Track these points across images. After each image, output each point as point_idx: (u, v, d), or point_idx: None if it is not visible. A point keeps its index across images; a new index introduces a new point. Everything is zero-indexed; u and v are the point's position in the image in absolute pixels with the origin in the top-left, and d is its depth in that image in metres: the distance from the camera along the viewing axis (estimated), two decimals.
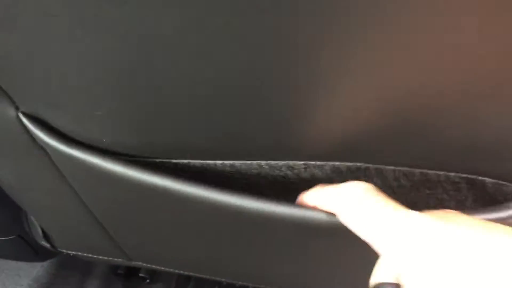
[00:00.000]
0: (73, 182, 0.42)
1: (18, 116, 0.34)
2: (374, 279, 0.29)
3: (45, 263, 0.84)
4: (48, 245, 0.66)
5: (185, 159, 0.37)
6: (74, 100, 0.31)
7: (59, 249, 0.66)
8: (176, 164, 0.37)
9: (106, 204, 0.45)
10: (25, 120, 0.34)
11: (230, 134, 0.33)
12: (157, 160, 0.37)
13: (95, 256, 0.65)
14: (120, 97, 0.30)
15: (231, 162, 0.36)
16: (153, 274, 0.92)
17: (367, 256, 0.30)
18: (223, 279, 0.64)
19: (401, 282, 0.28)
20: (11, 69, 0.30)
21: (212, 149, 0.35)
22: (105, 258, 0.64)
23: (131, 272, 0.91)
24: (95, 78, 0.28)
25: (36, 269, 0.83)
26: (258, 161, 0.36)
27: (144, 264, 0.65)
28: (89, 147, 0.36)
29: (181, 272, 0.65)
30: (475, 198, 0.36)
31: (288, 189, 0.37)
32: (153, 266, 0.65)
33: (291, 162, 0.35)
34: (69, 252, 0.66)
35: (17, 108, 0.34)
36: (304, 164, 0.35)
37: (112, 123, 0.33)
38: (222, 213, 0.36)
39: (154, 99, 0.29)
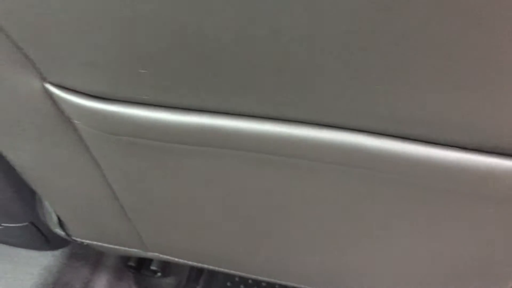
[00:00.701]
0: (98, 154, 0.40)
1: (44, 87, 0.32)
2: None
3: (56, 253, 0.82)
4: (62, 233, 0.64)
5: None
6: (118, 61, 0.29)
7: (73, 238, 0.64)
8: None
9: (130, 176, 0.42)
10: (53, 89, 0.32)
11: None
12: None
13: (110, 246, 0.63)
14: (168, 53, 0.27)
15: None
16: (165, 268, 0.90)
17: None
18: (241, 273, 0.61)
19: None
20: (39, 33, 0.28)
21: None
22: (120, 248, 0.62)
23: (142, 265, 0.89)
24: (151, 34, 0.26)
25: (47, 259, 0.81)
26: None
27: (160, 255, 0.62)
28: (129, 103, 0.33)
29: (196, 264, 0.63)
30: None
31: None
32: (169, 258, 0.63)
33: None
34: (83, 241, 0.64)
35: (43, 79, 0.32)
36: None
37: (158, 78, 0.30)
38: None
39: (203, 49, 0.27)
